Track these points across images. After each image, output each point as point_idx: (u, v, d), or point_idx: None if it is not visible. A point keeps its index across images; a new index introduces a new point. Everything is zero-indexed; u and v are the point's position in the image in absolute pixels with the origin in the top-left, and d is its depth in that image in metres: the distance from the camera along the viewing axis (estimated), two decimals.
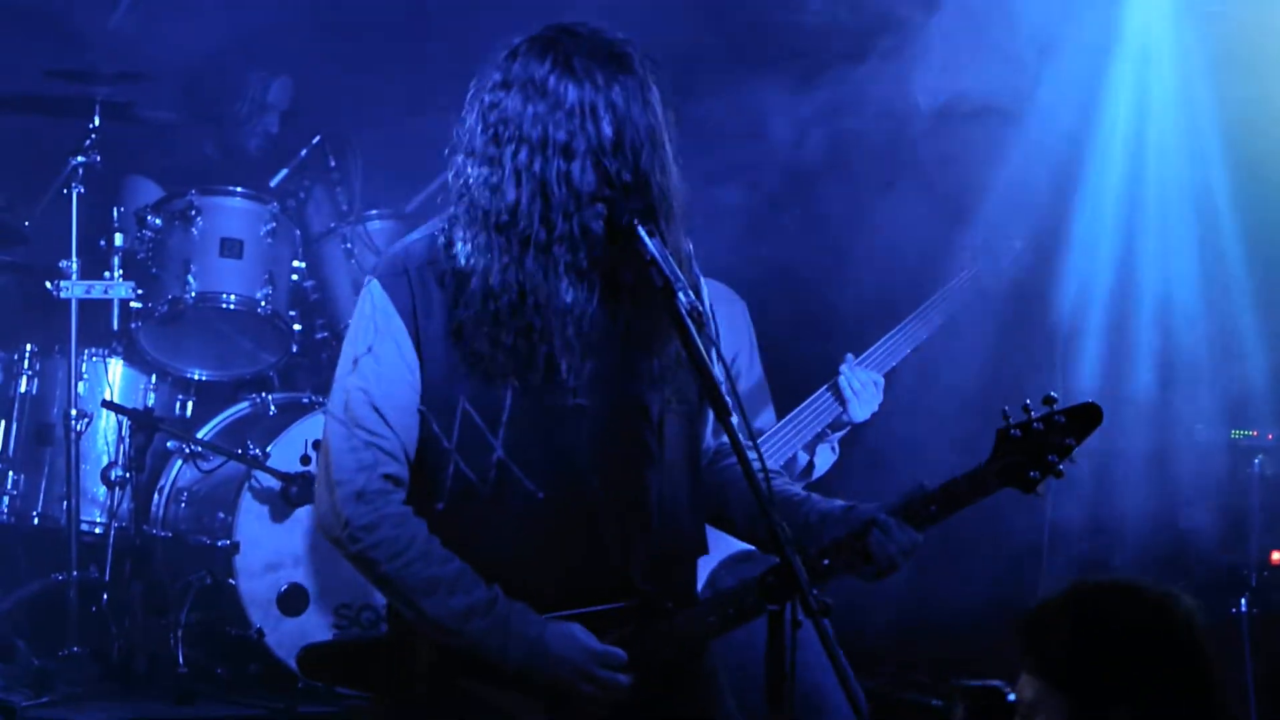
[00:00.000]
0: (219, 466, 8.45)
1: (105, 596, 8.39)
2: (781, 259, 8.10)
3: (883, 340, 6.56)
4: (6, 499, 8.73)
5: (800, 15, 8.00)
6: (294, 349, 9.03)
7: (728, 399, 3.90)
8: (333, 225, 9.34)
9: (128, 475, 8.53)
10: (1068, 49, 7.69)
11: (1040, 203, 7.56)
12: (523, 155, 4.12)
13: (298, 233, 9.22)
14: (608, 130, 4.09)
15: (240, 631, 8.10)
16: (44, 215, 8.90)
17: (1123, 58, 7.90)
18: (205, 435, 8.73)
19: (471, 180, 4.19)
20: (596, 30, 4.21)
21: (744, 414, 3.95)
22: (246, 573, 8.10)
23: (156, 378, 8.95)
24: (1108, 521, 7.89)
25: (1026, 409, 4.29)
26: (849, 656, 3.68)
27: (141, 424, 8.49)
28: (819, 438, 6.40)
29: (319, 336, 9.27)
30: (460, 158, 4.23)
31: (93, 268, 8.70)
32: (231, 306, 8.86)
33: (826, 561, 4.25)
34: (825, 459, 6.50)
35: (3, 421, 8.78)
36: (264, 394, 8.88)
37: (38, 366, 8.83)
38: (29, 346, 8.82)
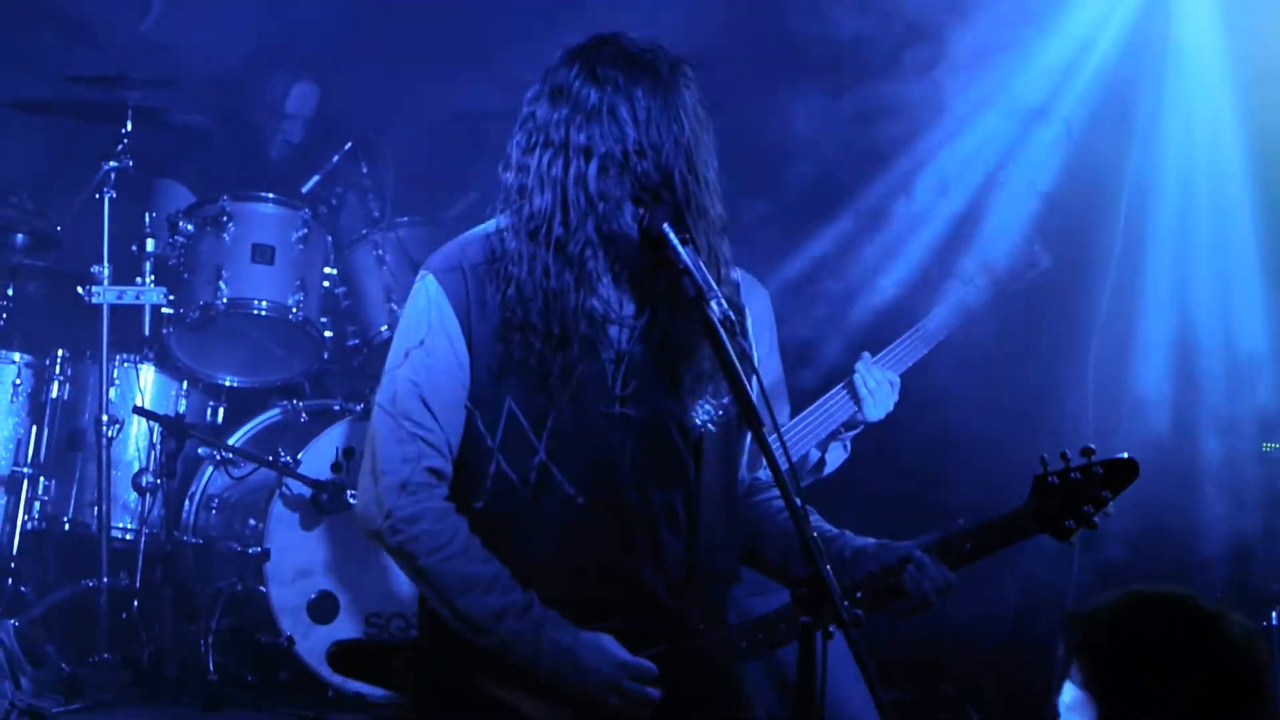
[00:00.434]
0: (250, 473, 8.48)
1: (135, 603, 8.41)
2: (805, 267, 8.10)
3: (900, 340, 6.54)
4: (38, 505, 8.76)
5: (831, 27, 7.99)
6: (325, 356, 9.06)
7: (761, 411, 3.88)
8: (364, 232, 9.34)
9: (159, 481, 8.56)
10: (1105, 58, 7.68)
11: (1070, 209, 7.54)
12: (546, 159, 4.15)
13: (329, 239, 9.24)
14: (630, 131, 4.10)
15: (270, 639, 8.11)
16: (76, 220, 8.92)
17: (1164, 67, 7.88)
18: (236, 442, 8.74)
19: (509, 187, 4.22)
20: (628, 39, 4.22)
21: (778, 429, 3.93)
22: (277, 580, 8.12)
23: (188, 384, 8.98)
24: (1137, 528, 7.86)
25: (1065, 457, 4.32)
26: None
27: (172, 430, 8.51)
28: (832, 435, 6.37)
29: (350, 343, 9.27)
30: (501, 166, 4.26)
31: (124, 273, 8.72)
32: (263, 313, 8.87)
33: (860, 595, 4.24)
34: (836, 456, 6.46)
35: (34, 427, 8.81)
36: (295, 401, 8.88)
37: (69, 372, 8.86)
38: (60, 352, 8.85)
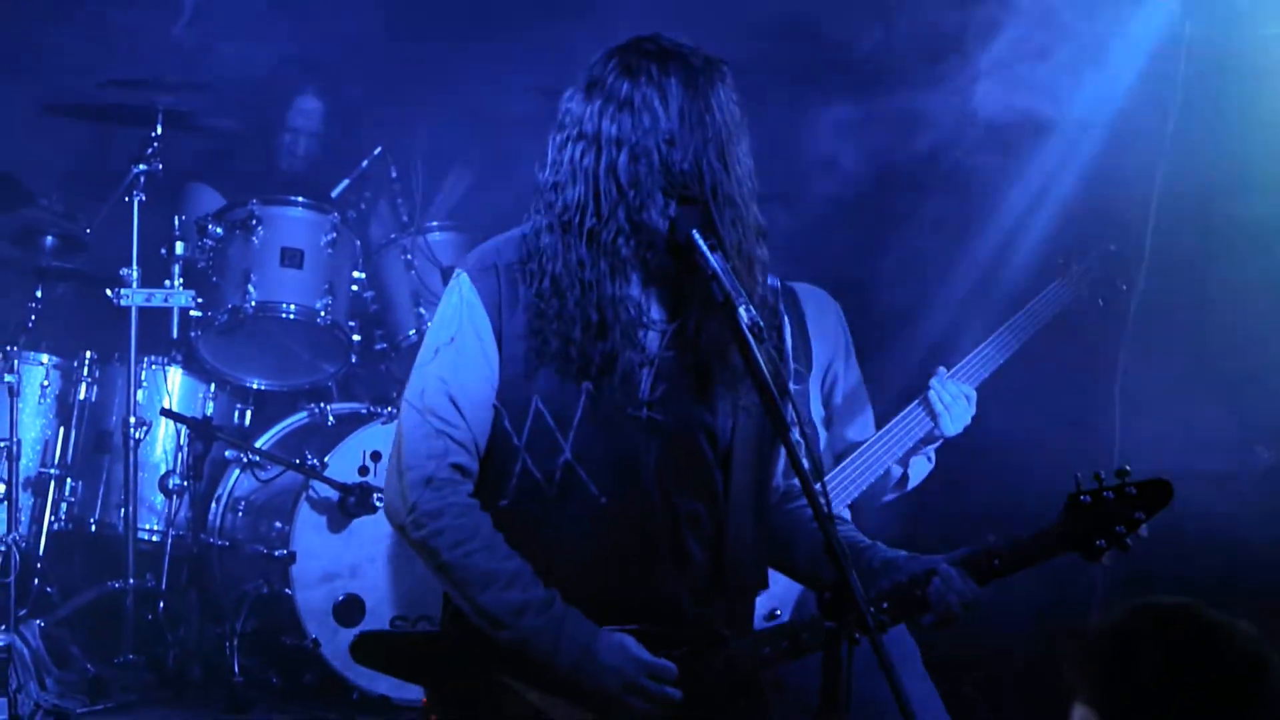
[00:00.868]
0: (277, 476, 8.49)
1: (161, 605, 8.42)
2: (844, 274, 8.09)
3: (975, 352, 6.51)
4: (65, 506, 8.78)
5: (857, 38, 7.98)
6: (353, 359, 9.06)
7: (788, 417, 3.88)
8: (393, 236, 9.36)
9: (185, 484, 8.58)
10: (1136, 64, 7.65)
11: (1119, 214, 7.52)
12: (579, 151, 4.17)
13: (358, 243, 9.26)
14: (661, 122, 4.12)
15: (296, 641, 8.11)
16: (105, 223, 8.95)
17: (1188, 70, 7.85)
18: (263, 445, 8.76)
19: (544, 184, 4.24)
20: (666, 37, 4.25)
21: (804, 433, 3.93)
22: (303, 583, 8.12)
23: (215, 387, 9.01)
24: (1163, 537, 7.82)
25: (1098, 477, 4.31)
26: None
27: (200, 433, 8.53)
28: (911, 452, 6.36)
29: (378, 347, 9.29)
30: (537, 165, 4.29)
31: (153, 276, 8.73)
32: (291, 316, 8.89)
33: (885, 605, 4.24)
34: (920, 469, 6.42)
35: (62, 429, 8.84)
36: (322, 404, 8.88)
37: (97, 374, 8.88)
38: (89, 354, 8.87)
